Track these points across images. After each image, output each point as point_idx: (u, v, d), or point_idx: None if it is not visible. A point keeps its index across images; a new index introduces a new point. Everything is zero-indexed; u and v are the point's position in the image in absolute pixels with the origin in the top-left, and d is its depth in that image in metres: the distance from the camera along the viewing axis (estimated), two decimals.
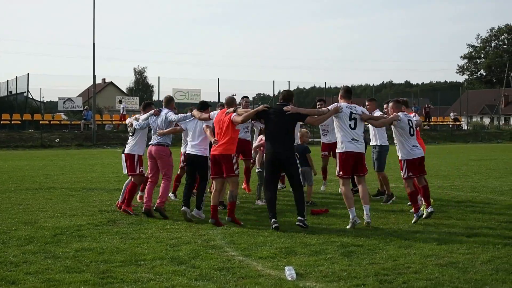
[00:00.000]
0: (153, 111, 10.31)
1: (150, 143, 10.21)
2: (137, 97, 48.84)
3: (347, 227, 8.77)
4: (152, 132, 10.31)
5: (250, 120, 9.85)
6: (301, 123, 9.72)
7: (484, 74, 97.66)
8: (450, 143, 44.51)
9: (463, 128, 55.54)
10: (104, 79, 73.48)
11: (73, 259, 6.85)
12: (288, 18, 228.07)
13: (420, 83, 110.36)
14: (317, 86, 71.47)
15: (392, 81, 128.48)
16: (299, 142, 11.15)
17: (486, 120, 70.90)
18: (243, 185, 12.77)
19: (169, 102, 10.42)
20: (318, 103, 12.47)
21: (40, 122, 39.95)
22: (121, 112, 42.34)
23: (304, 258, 6.90)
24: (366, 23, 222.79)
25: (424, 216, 9.25)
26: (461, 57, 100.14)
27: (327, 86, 54.20)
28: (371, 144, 11.62)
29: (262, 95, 60.23)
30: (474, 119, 69.59)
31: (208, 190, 10.20)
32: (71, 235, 8.26)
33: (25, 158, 25.85)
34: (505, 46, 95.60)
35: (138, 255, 7.06)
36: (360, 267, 6.47)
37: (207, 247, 7.49)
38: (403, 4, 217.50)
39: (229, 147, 9.11)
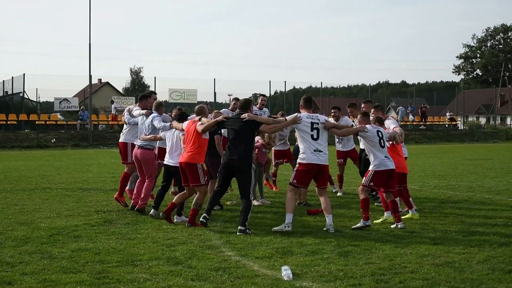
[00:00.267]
0: (145, 111, 10.47)
1: (136, 144, 10.43)
2: (133, 97, 48.72)
3: (280, 229, 8.44)
4: (139, 132, 10.46)
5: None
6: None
7: (480, 74, 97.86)
8: (446, 142, 44.58)
9: (459, 128, 55.61)
10: (100, 79, 73.35)
11: (70, 260, 6.84)
12: (285, 18, 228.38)
13: (416, 83, 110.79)
14: (313, 86, 71.43)
15: (388, 81, 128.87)
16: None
17: (482, 120, 70.98)
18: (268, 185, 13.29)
19: (158, 107, 10.44)
20: (332, 111, 12.46)
21: (36, 122, 39.82)
22: (113, 112, 42.25)
23: (300, 258, 6.91)
24: (362, 23, 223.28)
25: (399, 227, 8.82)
26: (457, 57, 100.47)
27: (323, 86, 54.20)
28: (361, 147, 11.40)
29: (258, 95, 60.21)
30: (470, 119, 69.76)
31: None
32: (67, 236, 8.25)
33: (21, 158, 25.79)
34: (501, 46, 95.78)
35: (135, 255, 7.05)
36: (356, 267, 6.47)
37: (203, 247, 7.49)
38: (400, 4, 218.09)
39: (195, 156, 8.99)
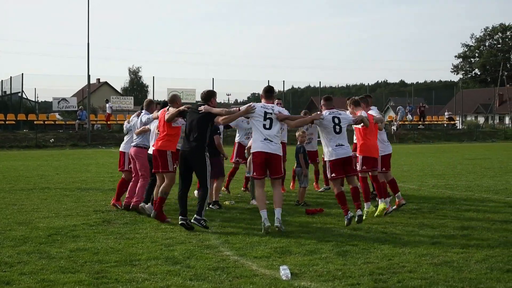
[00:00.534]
0: (137, 112, 10.86)
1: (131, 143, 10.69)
2: (132, 97, 48.71)
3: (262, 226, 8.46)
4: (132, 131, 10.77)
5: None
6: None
7: (479, 73, 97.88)
8: (445, 142, 44.61)
9: (458, 127, 55.64)
10: (98, 79, 73.28)
11: (68, 259, 6.84)
12: (283, 18, 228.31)
13: (414, 83, 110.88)
14: (312, 86, 71.54)
15: (386, 80, 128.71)
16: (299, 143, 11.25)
17: (481, 119, 71.03)
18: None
19: (149, 105, 10.66)
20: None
21: (35, 122, 39.81)
22: (107, 111, 42.22)
23: (299, 258, 6.91)
24: (361, 23, 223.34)
25: (356, 219, 8.80)
26: (455, 56, 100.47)
27: (321, 86, 54.22)
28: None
29: (257, 94, 60.21)
30: (468, 118, 69.74)
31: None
32: (65, 235, 8.24)
33: (20, 158, 25.78)
34: (499, 45, 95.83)
35: (133, 255, 7.05)
36: (355, 267, 6.47)
37: (202, 247, 7.49)
38: (398, 4, 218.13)
39: (165, 144, 9.28)
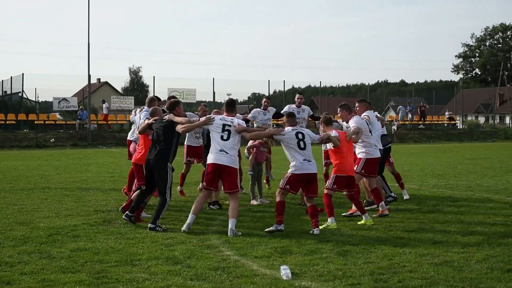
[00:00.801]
0: (140, 108, 10.97)
1: (131, 139, 11.06)
2: (132, 97, 48.69)
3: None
4: (135, 128, 10.92)
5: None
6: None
7: (479, 73, 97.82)
8: (445, 142, 44.61)
9: (458, 127, 55.63)
10: (99, 79, 73.32)
11: (68, 259, 6.84)
12: (283, 18, 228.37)
13: (415, 82, 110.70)
14: (312, 86, 71.47)
15: (387, 80, 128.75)
16: None
17: (481, 119, 70.95)
18: None
19: (150, 102, 10.62)
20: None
21: (35, 122, 39.80)
22: (104, 112, 42.22)
23: (299, 258, 6.91)
24: (362, 23, 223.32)
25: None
26: (456, 56, 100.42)
27: (322, 86, 54.24)
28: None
29: (257, 94, 60.25)
30: (469, 118, 69.68)
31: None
32: (66, 235, 8.25)
33: (20, 158, 25.78)
34: (499, 45, 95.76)
35: (133, 255, 7.05)
36: (355, 266, 6.47)
37: (202, 247, 7.49)
38: (398, 4, 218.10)
39: (142, 157, 9.49)
